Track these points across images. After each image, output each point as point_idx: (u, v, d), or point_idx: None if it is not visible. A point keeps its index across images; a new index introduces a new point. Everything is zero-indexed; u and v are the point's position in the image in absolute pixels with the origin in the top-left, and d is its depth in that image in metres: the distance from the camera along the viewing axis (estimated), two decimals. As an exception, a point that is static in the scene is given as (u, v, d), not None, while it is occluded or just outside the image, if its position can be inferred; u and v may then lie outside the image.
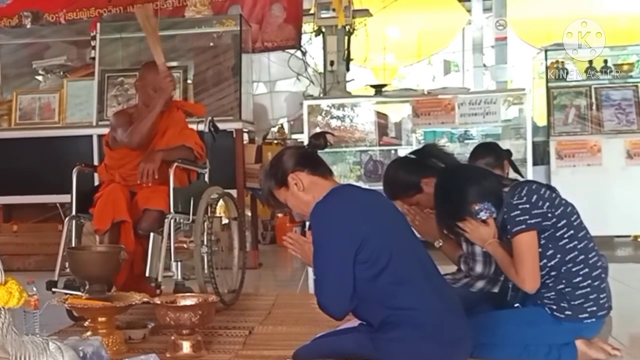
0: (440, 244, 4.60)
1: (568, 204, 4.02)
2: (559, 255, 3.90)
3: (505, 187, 4.02)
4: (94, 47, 8.39)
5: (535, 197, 3.90)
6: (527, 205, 3.87)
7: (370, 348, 3.41)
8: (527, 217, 3.85)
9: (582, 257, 3.92)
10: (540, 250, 3.89)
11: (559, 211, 3.92)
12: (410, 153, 4.70)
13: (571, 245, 3.91)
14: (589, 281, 3.91)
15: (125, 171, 5.56)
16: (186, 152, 5.59)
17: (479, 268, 4.46)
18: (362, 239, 3.39)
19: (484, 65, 12.60)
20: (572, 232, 3.93)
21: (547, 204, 3.91)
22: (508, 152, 5.58)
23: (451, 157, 4.48)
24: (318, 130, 8.80)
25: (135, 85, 6.01)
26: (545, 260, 3.90)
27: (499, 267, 4.12)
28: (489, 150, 5.60)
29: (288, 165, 3.68)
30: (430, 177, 4.33)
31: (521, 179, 4.62)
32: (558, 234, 3.90)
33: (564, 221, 3.92)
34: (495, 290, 4.51)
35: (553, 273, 3.92)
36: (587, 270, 3.92)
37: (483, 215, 3.97)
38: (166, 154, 5.41)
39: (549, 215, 3.89)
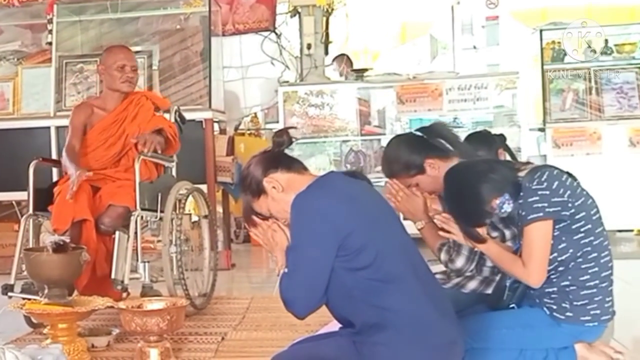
0: (422, 225, 4.57)
1: (589, 196, 3.93)
2: (571, 250, 3.83)
3: (520, 172, 3.97)
4: (50, 31, 8.33)
5: (556, 183, 3.83)
6: (547, 192, 3.80)
7: (352, 352, 3.39)
8: (545, 204, 3.77)
9: (595, 254, 3.86)
10: (551, 242, 3.84)
11: (579, 202, 3.84)
12: (417, 130, 4.66)
13: (586, 240, 3.84)
14: (597, 281, 3.86)
15: (96, 154, 5.60)
16: (162, 140, 5.59)
17: (460, 262, 4.40)
18: (346, 234, 3.36)
19: (474, 47, 12.58)
20: (589, 226, 3.85)
21: (569, 192, 3.83)
22: (501, 137, 5.48)
23: (459, 142, 4.47)
24: (295, 119, 8.84)
25: (98, 69, 5.97)
26: (555, 254, 3.83)
27: (496, 266, 4.11)
28: (479, 141, 5.56)
29: (258, 172, 3.65)
30: (435, 159, 4.32)
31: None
32: (574, 227, 3.83)
33: (583, 213, 3.84)
34: (489, 291, 4.49)
35: (561, 268, 3.85)
36: (596, 269, 3.86)
37: (507, 207, 3.92)
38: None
39: (569, 205, 3.81)
